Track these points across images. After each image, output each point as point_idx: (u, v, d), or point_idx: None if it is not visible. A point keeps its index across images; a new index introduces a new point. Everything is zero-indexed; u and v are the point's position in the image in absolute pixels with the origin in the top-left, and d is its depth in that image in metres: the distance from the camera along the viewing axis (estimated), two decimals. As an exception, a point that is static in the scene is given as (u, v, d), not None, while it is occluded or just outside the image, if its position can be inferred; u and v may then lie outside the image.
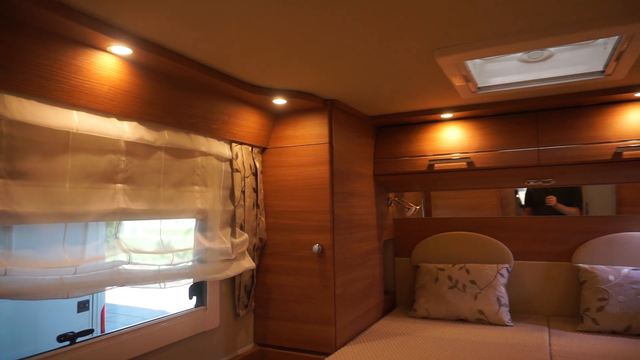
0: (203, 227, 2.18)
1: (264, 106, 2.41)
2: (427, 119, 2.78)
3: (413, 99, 2.44)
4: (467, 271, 2.88)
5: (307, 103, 2.34)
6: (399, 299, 3.31)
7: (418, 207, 3.38)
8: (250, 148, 2.47)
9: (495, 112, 2.65)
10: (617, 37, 1.64)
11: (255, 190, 2.49)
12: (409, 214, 3.30)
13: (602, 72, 1.97)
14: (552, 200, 3.51)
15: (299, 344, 2.44)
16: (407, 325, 2.74)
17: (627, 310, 2.42)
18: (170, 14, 1.37)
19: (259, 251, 2.56)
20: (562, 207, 3.50)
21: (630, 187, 3.56)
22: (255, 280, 2.55)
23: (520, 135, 2.59)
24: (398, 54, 1.75)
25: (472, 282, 2.83)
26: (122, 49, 1.55)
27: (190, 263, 2.08)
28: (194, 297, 2.29)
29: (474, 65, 2.10)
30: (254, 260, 2.47)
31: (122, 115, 1.71)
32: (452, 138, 2.77)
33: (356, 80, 2.10)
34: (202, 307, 2.27)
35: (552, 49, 1.99)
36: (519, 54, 2.05)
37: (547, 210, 3.52)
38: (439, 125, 2.82)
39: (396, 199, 3.32)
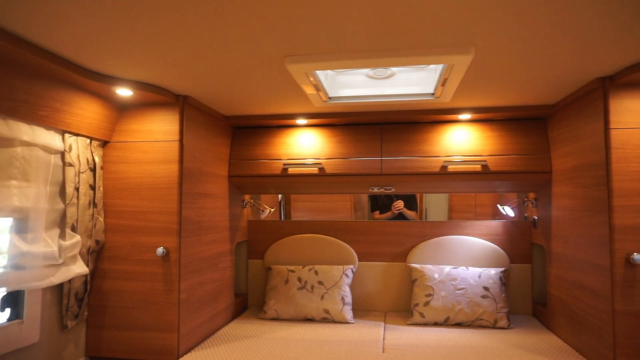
0: (22, 228, 1.89)
1: (107, 96, 2.19)
2: (283, 123, 2.83)
3: (269, 103, 2.46)
4: (316, 272, 3.00)
5: (156, 97, 2.19)
6: (251, 301, 3.31)
7: (273, 210, 3.42)
8: (88, 140, 2.22)
9: (346, 122, 2.81)
10: (442, 65, 1.87)
11: (93, 188, 2.26)
12: (264, 216, 3.32)
13: (433, 94, 2.22)
14: (400, 204, 3.86)
15: (137, 354, 2.27)
16: (256, 327, 2.74)
17: (447, 304, 2.76)
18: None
19: (95, 255, 2.32)
20: (406, 211, 3.88)
21: (458, 196, 4.08)
22: (88, 287, 2.30)
23: (367, 145, 2.80)
24: (250, 57, 1.74)
25: (320, 282, 2.95)
26: None
27: (1, 270, 1.78)
28: (8, 309, 1.98)
29: (326, 76, 2.20)
30: (87, 265, 2.23)
31: None
32: (306, 144, 2.86)
33: (210, 79, 2.03)
34: (17, 320, 1.97)
35: (394, 69, 2.18)
36: (366, 70, 2.21)
37: (394, 214, 3.87)
38: (294, 130, 2.90)
39: (252, 201, 3.32)
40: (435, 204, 4.30)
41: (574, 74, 1.97)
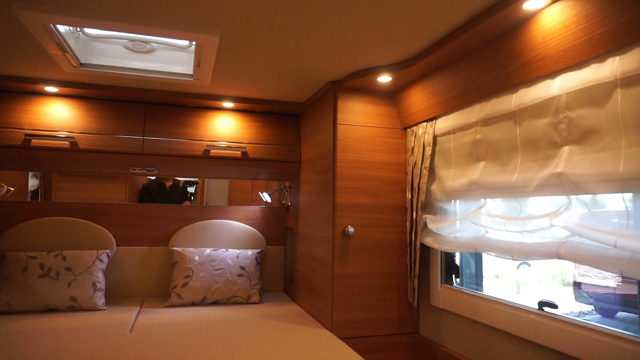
0: None
1: None
2: (27, 88, 2.50)
3: (6, 60, 2.15)
4: (64, 258, 2.73)
5: None
6: (-24, 296, 2.79)
7: (13, 189, 2.97)
8: None
9: (106, 96, 2.65)
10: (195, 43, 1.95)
11: None
12: (-1, 195, 2.86)
13: (192, 75, 2.29)
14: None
15: None
16: (-24, 323, 2.34)
17: (205, 284, 2.86)
18: None
19: None
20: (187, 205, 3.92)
21: (237, 185, 4.27)
22: None
23: (128, 122, 2.70)
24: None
25: (68, 269, 2.70)
26: None
27: None
28: None
29: (77, 39, 2.05)
30: None
31: None
32: (56, 115, 2.59)
33: None
34: None
35: (154, 45, 2.18)
36: (124, 41, 2.14)
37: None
38: (42, 98, 2.59)
39: (-17, 177, 2.83)
40: (216, 191, 4.41)
41: (315, 75, 2.31)
